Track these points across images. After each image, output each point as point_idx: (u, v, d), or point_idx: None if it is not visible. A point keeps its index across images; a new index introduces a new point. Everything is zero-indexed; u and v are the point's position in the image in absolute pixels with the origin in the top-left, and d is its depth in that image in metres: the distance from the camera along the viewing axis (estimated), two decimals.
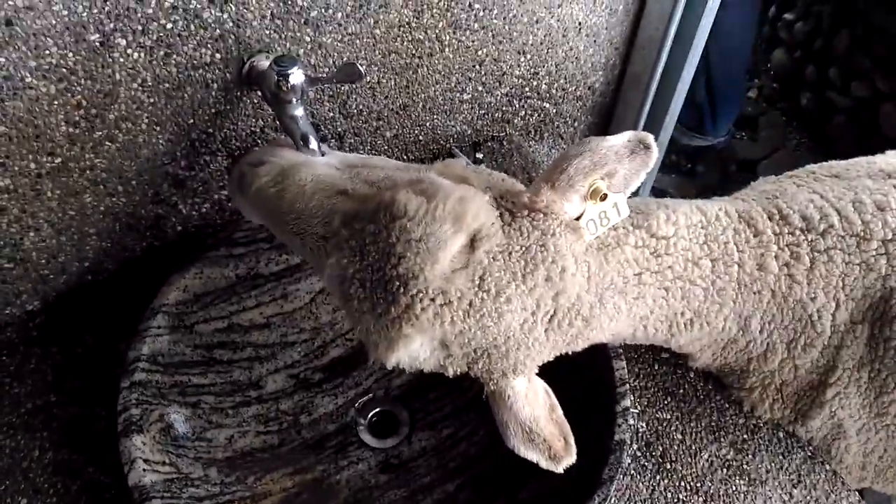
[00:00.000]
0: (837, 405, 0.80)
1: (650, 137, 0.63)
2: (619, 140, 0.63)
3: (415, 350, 0.62)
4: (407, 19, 0.98)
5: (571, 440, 0.68)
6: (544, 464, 0.67)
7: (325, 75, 0.88)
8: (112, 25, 0.74)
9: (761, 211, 0.77)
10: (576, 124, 1.41)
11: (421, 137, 1.17)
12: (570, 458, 0.67)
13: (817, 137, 2.67)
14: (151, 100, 0.82)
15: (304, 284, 0.94)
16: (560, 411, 0.70)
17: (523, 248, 0.62)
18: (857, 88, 2.45)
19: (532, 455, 0.67)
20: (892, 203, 0.76)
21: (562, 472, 0.68)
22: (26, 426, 0.83)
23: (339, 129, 1.05)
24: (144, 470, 0.73)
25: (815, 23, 2.67)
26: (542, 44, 1.18)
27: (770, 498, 0.85)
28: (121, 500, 0.73)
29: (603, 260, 0.69)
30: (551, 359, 0.70)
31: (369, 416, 0.93)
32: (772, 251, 0.74)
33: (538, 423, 0.67)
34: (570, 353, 0.71)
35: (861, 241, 0.74)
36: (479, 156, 1.24)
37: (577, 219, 0.65)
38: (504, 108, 1.24)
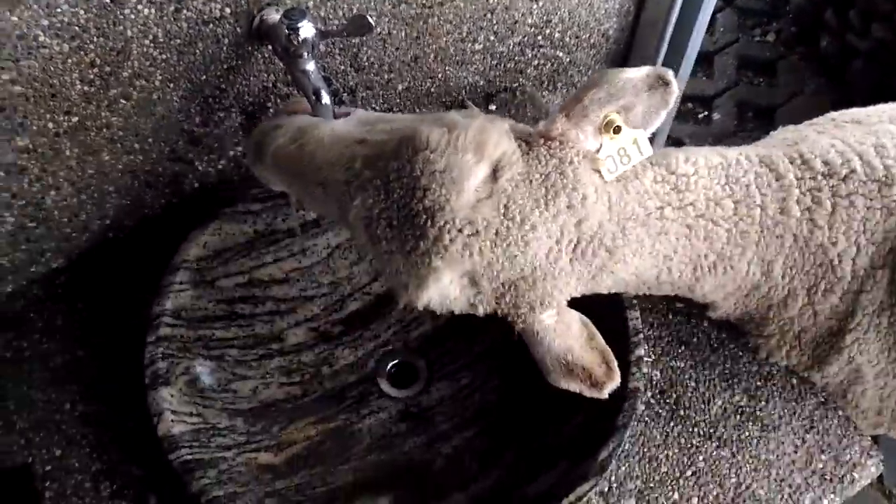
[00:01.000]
0: (856, 350, 0.81)
1: (670, 73, 0.62)
2: (637, 73, 0.62)
3: (445, 287, 0.62)
4: None
5: (614, 364, 0.68)
6: (587, 392, 0.67)
7: (335, 28, 0.87)
8: None
9: (782, 156, 0.76)
10: (589, 73, 1.39)
11: (433, 89, 1.16)
12: (614, 382, 0.67)
13: (836, 82, 2.62)
14: (164, 56, 0.82)
15: (321, 240, 0.95)
16: (601, 339, 0.69)
17: (543, 176, 0.63)
18: (878, 30, 2.39)
19: (573, 385, 0.67)
20: None
21: (606, 396, 0.67)
22: (57, 380, 0.86)
23: (351, 83, 1.04)
24: (173, 421, 0.75)
25: None
26: None
27: (783, 443, 0.87)
28: (151, 450, 0.76)
29: (623, 190, 0.68)
30: (577, 294, 0.70)
31: (389, 366, 0.95)
32: (793, 195, 0.74)
33: (573, 352, 0.67)
34: (595, 291, 0.71)
35: (883, 185, 0.74)
36: (493, 107, 1.23)
37: (597, 152, 0.65)
38: (517, 58, 1.22)
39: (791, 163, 0.75)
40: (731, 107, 2.57)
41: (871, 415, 0.89)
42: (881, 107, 0.87)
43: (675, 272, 0.75)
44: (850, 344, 0.80)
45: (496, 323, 0.68)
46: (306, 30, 0.81)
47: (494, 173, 0.61)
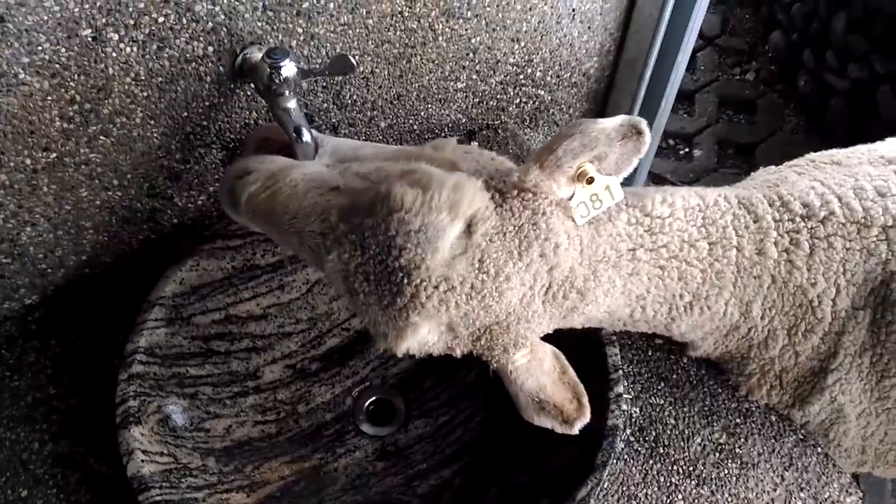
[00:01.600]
0: (838, 390, 0.81)
1: (643, 123, 0.63)
2: (610, 123, 0.63)
3: (423, 336, 0.64)
4: (399, 8, 0.98)
5: (585, 400, 0.70)
6: (559, 428, 0.69)
7: (317, 67, 0.88)
8: (104, 20, 0.74)
9: (762, 198, 0.77)
10: (571, 111, 1.41)
11: (416, 126, 1.17)
12: (584, 419, 0.69)
13: (815, 120, 2.67)
14: (145, 93, 0.83)
15: (300, 275, 0.95)
16: (572, 373, 0.72)
17: (516, 228, 0.63)
18: (855, 70, 2.44)
19: (545, 422, 0.69)
20: (893, 189, 0.76)
21: (576, 433, 0.69)
22: (26, 418, 0.85)
23: (334, 120, 1.05)
24: (143, 461, 0.74)
25: (812, 5, 2.66)
26: (535, 31, 1.18)
27: (762, 481, 0.87)
28: (120, 491, 0.74)
29: (595, 233, 0.69)
30: (550, 331, 0.71)
31: (366, 404, 0.94)
32: (771, 237, 0.75)
33: (545, 390, 0.69)
34: (568, 327, 0.72)
35: (861, 227, 0.75)
36: (475, 144, 1.24)
37: (569, 199, 0.66)
38: (499, 97, 1.24)
39: (770, 205, 0.76)
40: (712, 143, 2.60)
41: (853, 454, 0.89)
42: (860, 147, 0.88)
43: (650, 311, 0.75)
44: (832, 384, 0.81)
45: (476, 360, 0.68)
46: (288, 69, 0.82)
47: (469, 228, 0.62)
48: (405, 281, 0.60)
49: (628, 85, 1.42)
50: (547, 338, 0.72)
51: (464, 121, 1.23)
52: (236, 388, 0.89)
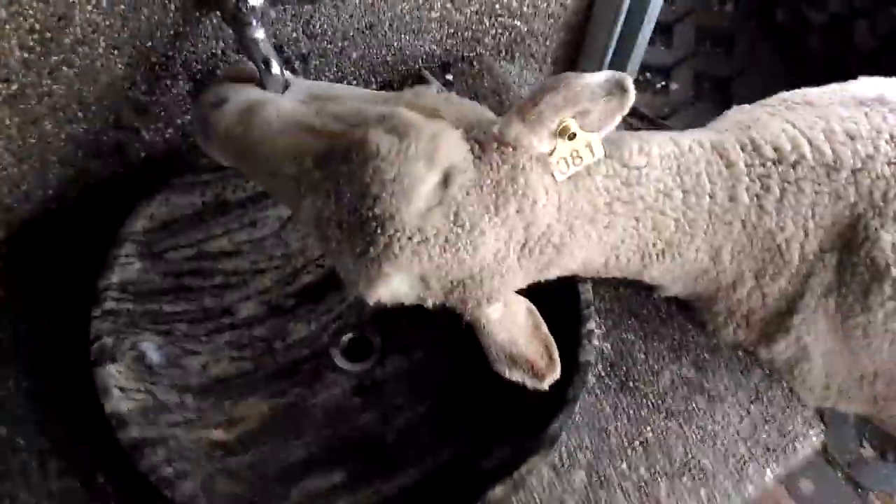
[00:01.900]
0: (804, 330, 0.82)
1: (628, 80, 0.62)
2: (595, 79, 0.62)
3: (394, 286, 0.64)
4: None
5: (556, 356, 0.71)
6: (529, 383, 0.71)
7: None
8: None
9: (734, 142, 0.77)
10: (548, 43, 1.39)
11: (388, 58, 1.14)
12: (554, 374, 0.71)
13: (792, 53, 2.65)
14: (107, 22, 0.79)
15: (272, 211, 0.94)
16: (545, 329, 0.73)
17: (494, 182, 0.63)
18: (834, 4, 2.42)
19: (516, 376, 0.71)
20: (863, 131, 0.76)
21: (546, 388, 0.71)
22: None
23: (303, 51, 1.02)
24: (119, 398, 0.74)
25: None
26: None
27: (728, 414, 0.90)
28: (99, 428, 0.74)
29: (573, 189, 0.69)
30: (524, 286, 0.72)
31: (342, 340, 0.94)
32: (743, 183, 0.75)
33: (517, 345, 0.71)
34: (542, 280, 0.73)
35: (831, 170, 0.75)
36: (449, 77, 1.22)
37: (550, 154, 0.65)
38: (474, 27, 1.21)
39: (742, 149, 0.76)
40: (689, 77, 2.59)
41: (817, 390, 0.92)
42: (832, 86, 0.87)
43: (623, 259, 0.76)
44: (797, 324, 0.82)
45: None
46: None
47: (445, 180, 0.61)
48: (378, 231, 0.59)
49: (606, 16, 1.39)
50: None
51: (438, 52, 1.20)
52: (211, 325, 0.89)
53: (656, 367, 0.92)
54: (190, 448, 0.77)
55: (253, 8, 0.78)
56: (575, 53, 1.48)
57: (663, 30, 2.72)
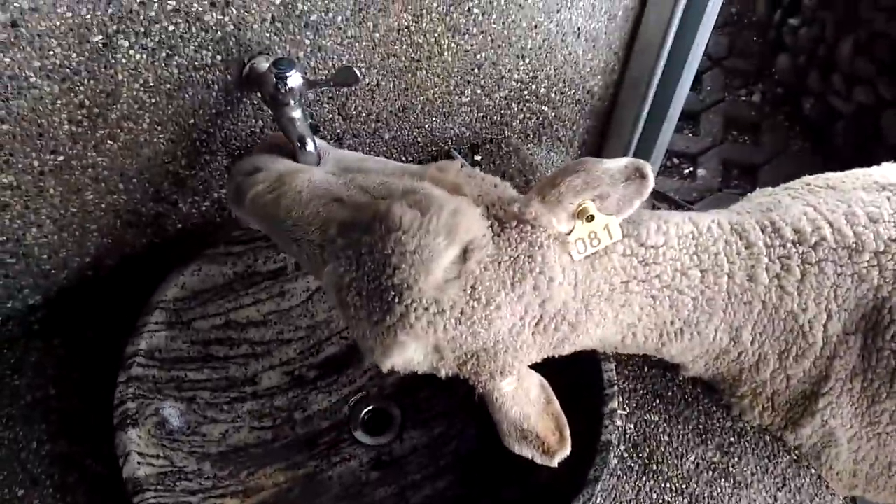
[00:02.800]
0: (829, 414, 0.81)
1: (647, 167, 0.64)
2: (615, 164, 0.64)
3: (409, 355, 0.65)
4: (406, 23, 0.99)
5: (567, 433, 0.70)
6: (539, 459, 0.70)
7: (323, 78, 0.90)
8: (115, 27, 0.76)
9: (754, 223, 0.78)
10: (574, 128, 1.42)
11: (419, 139, 1.18)
12: (564, 452, 0.70)
13: (819, 143, 2.68)
14: (153, 100, 0.84)
15: (300, 283, 0.96)
16: (556, 405, 0.72)
17: (512, 259, 0.64)
18: (860, 94, 2.45)
19: (526, 451, 0.70)
20: (885, 215, 0.76)
21: (556, 465, 0.70)
22: (25, 418, 0.85)
23: (338, 131, 1.06)
24: (139, 463, 0.74)
25: (819, 28, 2.68)
26: (540, 48, 1.19)
27: (755, 500, 0.87)
28: (116, 492, 0.75)
29: (590, 268, 0.70)
30: (538, 360, 0.72)
31: (362, 413, 0.94)
32: (762, 263, 0.75)
33: (529, 420, 0.70)
34: (556, 355, 0.73)
35: (853, 252, 0.75)
36: (478, 158, 1.25)
37: (569, 234, 0.66)
38: (503, 112, 1.25)
39: (762, 230, 0.77)
40: (717, 164, 2.61)
41: (845, 477, 0.89)
42: (855, 171, 0.89)
43: (640, 337, 0.76)
44: (823, 407, 0.81)
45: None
46: (294, 79, 0.83)
47: (464, 254, 0.63)
48: (396, 300, 0.61)
49: (632, 103, 1.43)
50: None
51: (467, 134, 1.24)
52: (234, 394, 0.89)
53: (681, 449, 0.90)
54: None
55: (291, 89, 0.82)
56: (601, 138, 1.52)
57: (691, 118, 2.77)
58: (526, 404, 0.71)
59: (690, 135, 2.72)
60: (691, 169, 2.59)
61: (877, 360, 0.76)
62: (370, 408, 0.95)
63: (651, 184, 0.64)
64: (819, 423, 0.82)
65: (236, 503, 0.81)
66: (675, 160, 2.61)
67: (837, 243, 0.75)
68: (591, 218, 0.66)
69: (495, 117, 1.25)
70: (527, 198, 0.66)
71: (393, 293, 0.61)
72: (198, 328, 0.90)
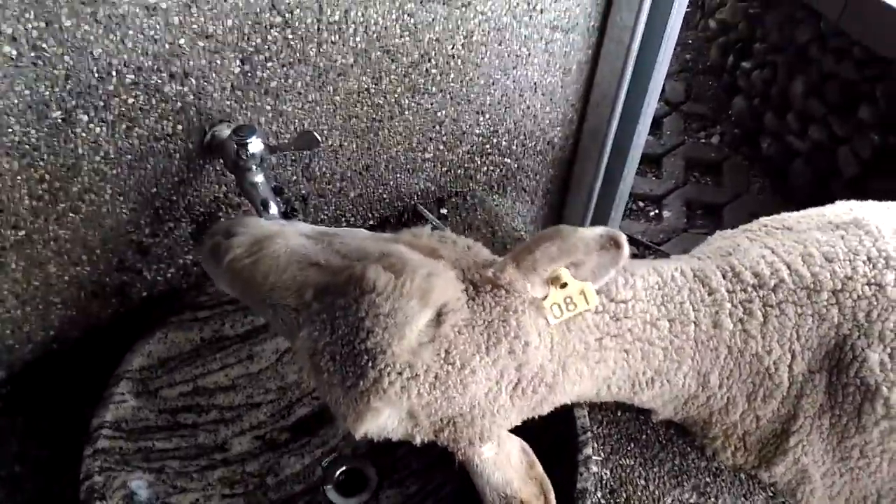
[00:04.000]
0: (801, 452, 0.82)
1: (622, 237, 0.65)
2: (590, 233, 0.65)
3: (383, 422, 0.64)
4: (366, 86, 1.01)
5: (552, 496, 0.70)
6: None
7: (284, 143, 0.91)
8: (74, 102, 0.77)
9: (715, 269, 0.80)
10: (538, 178, 1.45)
11: (385, 196, 1.20)
12: None
13: (779, 180, 2.75)
14: (114, 171, 0.85)
15: (269, 345, 0.96)
16: (539, 468, 0.72)
17: (486, 323, 0.65)
18: (815, 132, 2.54)
19: None
20: (840, 254, 0.78)
21: None
22: None
23: (303, 192, 1.07)
24: None
25: (771, 71, 2.78)
26: (499, 103, 1.22)
27: None
28: None
29: (565, 329, 0.71)
30: (518, 423, 0.72)
31: (337, 473, 0.93)
32: (725, 309, 0.77)
33: (512, 485, 0.69)
34: (535, 417, 0.73)
35: (811, 292, 0.77)
36: (444, 211, 1.27)
37: (543, 300, 0.67)
38: (466, 165, 1.28)
39: (723, 276, 0.79)
40: (681, 205, 2.67)
41: None
42: (809, 212, 0.91)
43: (614, 389, 0.77)
44: (794, 445, 0.81)
45: None
46: (255, 145, 0.84)
47: (438, 317, 0.63)
48: (370, 364, 0.60)
49: (592, 152, 1.47)
50: None
51: (433, 189, 1.26)
52: (203, 462, 0.88)
53: (657, 492, 0.90)
54: None
55: (253, 155, 0.84)
56: (565, 187, 1.55)
57: (653, 161, 2.84)
58: (508, 469, 0.70)
59: (654, 178, 2.78)
60: (657, 211, 2.64)
61: (843, 397, 0.77)
62: (344, 468, 0.94)
63: (626, 253, 0.65)
64: (792, 461, 0.82)
65: None
66: (641, 203, 2.66)
67: (796, 284, 0.77)
68: (564, 284, 0.67)
69: (459, 171, 1.27)
70: (502, 263, 0.67)
71: (366, 357, 0.61)
72: (165, 396, 0.89)
